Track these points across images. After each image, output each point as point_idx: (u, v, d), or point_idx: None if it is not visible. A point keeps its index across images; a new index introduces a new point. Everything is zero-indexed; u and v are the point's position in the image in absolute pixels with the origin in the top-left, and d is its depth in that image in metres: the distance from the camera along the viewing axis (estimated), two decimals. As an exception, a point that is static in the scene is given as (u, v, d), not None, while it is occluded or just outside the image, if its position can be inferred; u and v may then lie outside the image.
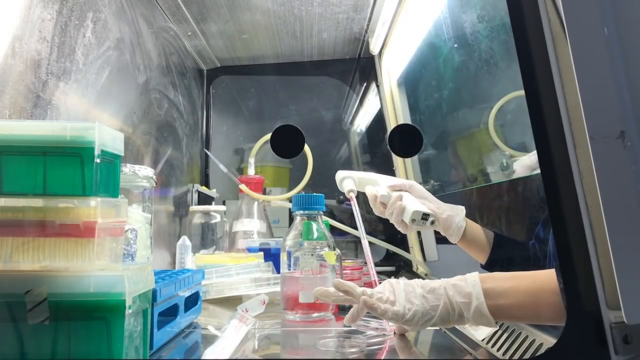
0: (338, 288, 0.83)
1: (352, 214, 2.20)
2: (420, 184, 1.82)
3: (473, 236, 1.10)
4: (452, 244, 1.12)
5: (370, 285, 1.06)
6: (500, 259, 1.08)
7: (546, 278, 0.74)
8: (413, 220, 1.05)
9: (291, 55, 2.02)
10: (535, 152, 0.94)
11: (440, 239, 1.80)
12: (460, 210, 1.10)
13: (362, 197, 1.19)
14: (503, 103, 1.28)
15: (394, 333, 0.90)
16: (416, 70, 1.84)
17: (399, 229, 1.09)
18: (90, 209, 0.62)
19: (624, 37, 0.63)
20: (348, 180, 1.17)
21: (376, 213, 1.13)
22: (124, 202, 0.70)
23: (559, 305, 0.69)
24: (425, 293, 0.78)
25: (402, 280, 0.82)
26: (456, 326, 0.93)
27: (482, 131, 1.39)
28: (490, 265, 1.09)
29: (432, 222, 1.06)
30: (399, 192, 1.10)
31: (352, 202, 1.12)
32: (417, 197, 1.11)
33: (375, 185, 1.14)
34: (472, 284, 0.77)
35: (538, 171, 1.07)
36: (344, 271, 1.34)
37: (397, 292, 0.79)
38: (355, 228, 1.10)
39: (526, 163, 1.17)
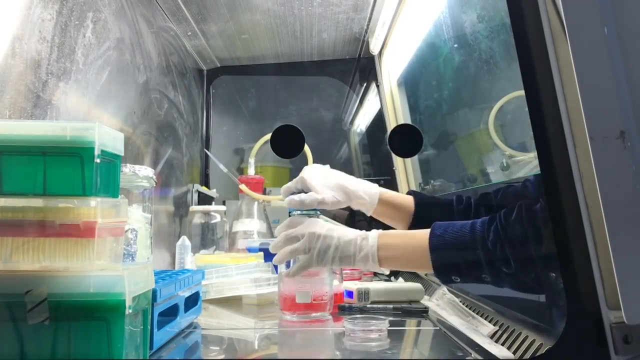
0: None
1: (350, 215, 2.20)
2: (420, 184, 1.83)
3: (394, 202, 1.07)
4: None
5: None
6: (426, 217, 1.03)
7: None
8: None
9: (291, 55, 2.02)
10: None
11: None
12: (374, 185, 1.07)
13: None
14: (503, 103, 1.28)
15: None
16: (416, 70, 1.84)
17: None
18: (90, 209, 0.62)
19: (624, 37, 0.63)
20: None
21: None
22: (124, 202, 0.70)
23: None
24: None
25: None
26: (456, 326, 0.93)
27: (482, 131, 1.39)
28: (416, 227, 1.05)
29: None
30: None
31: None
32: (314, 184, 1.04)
33: None
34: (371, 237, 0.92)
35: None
36: (344, 271, 1.33)
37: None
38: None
39: None
